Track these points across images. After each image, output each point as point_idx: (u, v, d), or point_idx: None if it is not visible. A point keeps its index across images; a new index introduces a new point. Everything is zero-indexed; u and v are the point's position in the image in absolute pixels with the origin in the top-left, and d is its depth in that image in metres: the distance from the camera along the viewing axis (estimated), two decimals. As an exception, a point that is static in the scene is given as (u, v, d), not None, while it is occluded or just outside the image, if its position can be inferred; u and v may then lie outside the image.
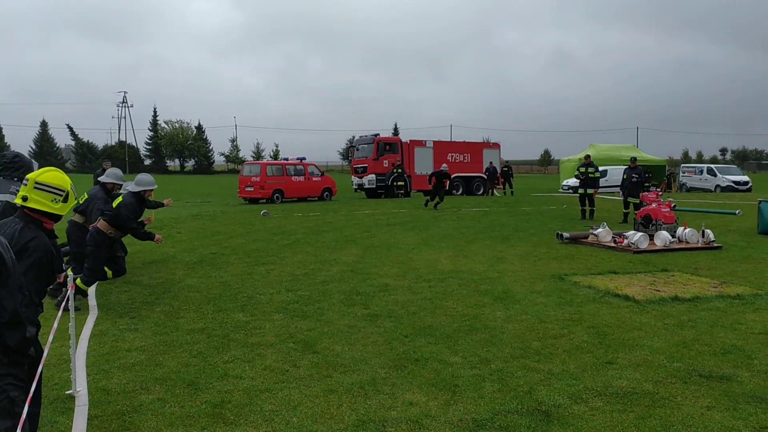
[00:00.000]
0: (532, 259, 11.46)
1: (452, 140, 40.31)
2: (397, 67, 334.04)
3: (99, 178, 9.09)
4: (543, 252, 12.31)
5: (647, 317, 7.12)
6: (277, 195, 29.01)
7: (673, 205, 14.68)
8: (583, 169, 19.53)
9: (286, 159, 31.80)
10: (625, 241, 12.76)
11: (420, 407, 4.68)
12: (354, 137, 58.72)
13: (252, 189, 28.71)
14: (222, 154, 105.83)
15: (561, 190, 40.61)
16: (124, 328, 6.90)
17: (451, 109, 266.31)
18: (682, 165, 53.63)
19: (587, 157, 19.95)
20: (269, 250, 12.69)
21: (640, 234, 12.76)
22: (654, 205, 14.40)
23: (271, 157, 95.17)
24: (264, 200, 28.76)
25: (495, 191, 36.09)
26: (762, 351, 5.87)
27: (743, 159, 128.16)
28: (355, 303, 7.98)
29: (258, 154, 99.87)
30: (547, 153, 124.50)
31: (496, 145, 38.27)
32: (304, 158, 31.50)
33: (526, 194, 36.76)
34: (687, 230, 13.28)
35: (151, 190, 8.44)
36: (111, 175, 8.82)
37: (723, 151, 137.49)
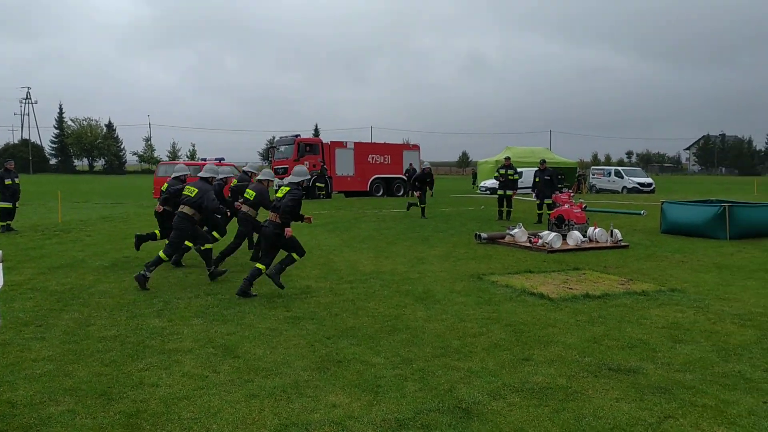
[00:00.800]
0: (451, 259, 11.69)
1: (373, 141, 40.55)
2: (315, 67, 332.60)
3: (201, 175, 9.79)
4: (462, 252, 12.58)
5: (561, 314, 7.41)
6: (194, 196, 28.30)
7: (584, 205, 15.31)
8: (503, 171, 20.09)
9: (204, 159, 31.08)
10: (540, 241, 13.21)
11: (343, 409, 4.69)
12: (274, 138, 58.06)
13: (168, 190, 27.87)
14: (135, 154, 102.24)
15: (479, 191, 41.62)
16: (30, 337, 6.56)
17: (371, 110, 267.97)
18: (592, 167, 56.11)
19: (507, 159, 20.53)
20: (187, 254, 12.36)
21: (553, 234, 13.25)
22: (566, 206, 14.97)
23: (187, 157, 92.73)
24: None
25: (415, 193, 36.52)
26: (665, 344, 6.23)
27: (647, 162, 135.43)
28: (277, 306, 7.91)
29: (174, 155, 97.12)
30: (465, 155, 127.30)
31: (416, 147, 38.81)
32: (223, 159, 30.80)
33: (445, 195, 37.43)
34: (597, 230, 13.90)
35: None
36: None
37: (629, 154, 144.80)
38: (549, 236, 13.18)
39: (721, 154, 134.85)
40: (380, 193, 35.47)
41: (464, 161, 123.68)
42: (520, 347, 6.14)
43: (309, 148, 33.48)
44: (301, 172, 8.71)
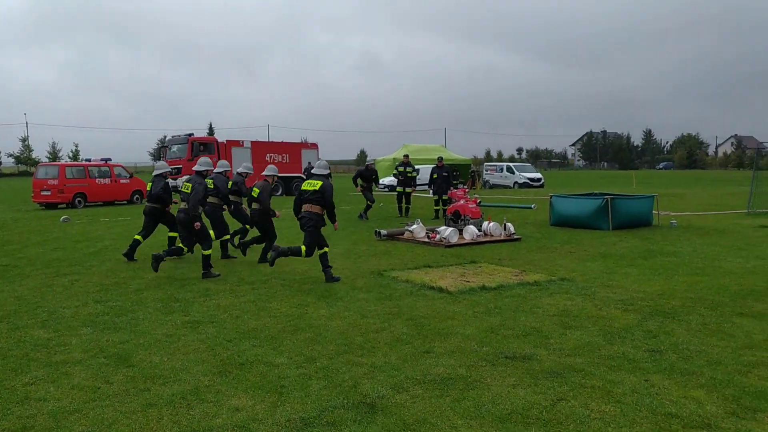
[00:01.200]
0: (352, 256, 11.76)
1: (270, 140, 40.00)
2: (205, 64, 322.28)
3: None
4: (363, 249, 12.68)
5: (459, 307, 7.64)
6: (79, 199, 26.84)
7: (478, 201, 15.84)
8: (401, 169, 20.39)
9: (89, 160, 29.51)
10: (438, 236, 13.54)
11: (246, 412, 4.62)
12: (165, 137, 55.94)
13: (49, 193, 26.26)
14: (11, 155, 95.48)
15: (377, 188, 42.00)
16: None
17: (267, 109, 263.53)
18: (485, 164, 58.03)
19: (406, 156, 20.84)
20: (72, 260, 11.72)
21: (450, 229, 13.62)
22: (462, 202, 15.43)
23: (69, 158, 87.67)
24: (64, 205, 26.46)
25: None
26: (556, 331, 6.56)
27: (536, 157, 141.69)
28: (174, 310, 7.66)
29: (54, 155, 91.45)
30: (363, 153, 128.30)
31: (314, 146, 38.64)
32: (110, 159, 29.45)
33: (344, 194, 37.53)
34: (491, 224, 14.42)
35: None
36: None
37: (519, 150, 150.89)
38: (446, 231, 13.53)
39: (603, 149, 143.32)
40: (279, 193, 35.06)
41: (362, 159, 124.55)
42: (421, 340, 6.27)
43: (203, 147, 32.55)
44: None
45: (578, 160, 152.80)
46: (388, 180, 40.71)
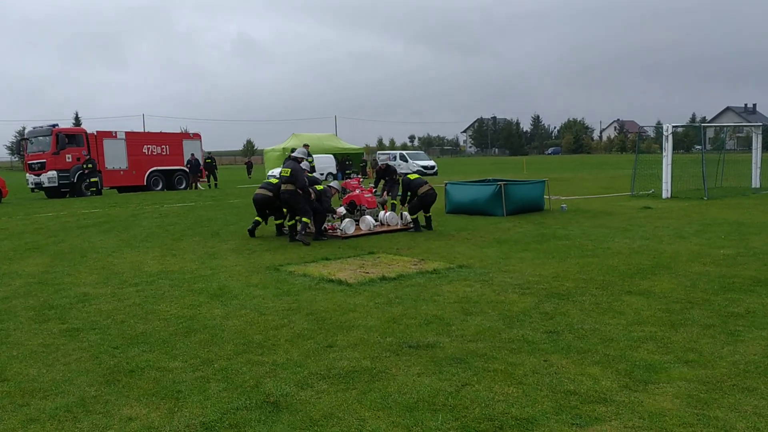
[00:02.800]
0: (245, 252, 11.62)
1: (147, 131, 38.49)
2: (66, 49, 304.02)
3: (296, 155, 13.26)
4: (256, 244, 12.54)
5: (360, 299, 7.76)
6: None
7: (374, 190, 16.04)
8: (309, 160, 20.27)
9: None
10: (336, 228, 13.61)
11: (141, 421, 4.50)
12: (24, 129, 52.38)
13: None
14: None
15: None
16: None
17: (140, 97, 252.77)
18: (378, 152, 58.69)
19: (306, 146, 20.69)
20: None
21: (347, 220, 13.73)
22: (357, 192, 15.57)
23: None
24: None
25: (199, 184, 35.48)
26: (458, 318, 6.82)
27: (428, 145, 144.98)
28: (49, 318, 7.28)
29: None
30: (250, 143, 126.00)
31: (197, 136, 37.55)
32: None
33: (232, 186, 36.84)
34: (388, 214, 14.66)
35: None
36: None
37: (411, 138, 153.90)
38: (342, 222, 13.62)
39: (494, 135, 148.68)
40: (159, 187, 33.84)
41: (249, 149, 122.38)
42: (323, 335, 6.33)
43: (70, 139, 30.79)
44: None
45: (470, 147, 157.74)
46: (278, 171, 40.20)
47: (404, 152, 50.70)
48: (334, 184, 13.72)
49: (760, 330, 6.17)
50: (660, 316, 6.70)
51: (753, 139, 25.01)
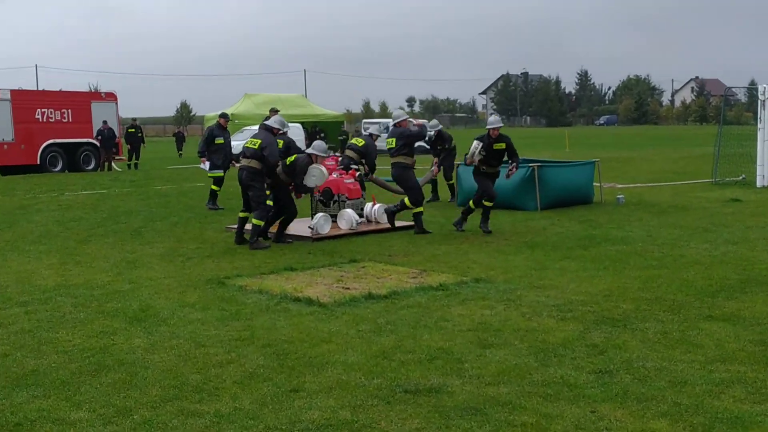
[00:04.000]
0: (178, 259, 11.66)
1: (41, 89, 38.39)
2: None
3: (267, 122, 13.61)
4: (193, 249, 12.59)
5: (337, 324, 7.79)
6: None
7: (358, 173, 16.07)
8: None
9: None
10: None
11: (31, 494, 4.51)
12: None
13: None
14: None
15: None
16: None
17: (33, 42, 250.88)
18: (364, 121, 58.81)
19: (274, 111, 20.57)
20: None
21: (320, 215, 13.77)
22: (335, 175, 15.58)
23: None
24: None
25: (114, 164, 35.44)
26: (473, 352, 6.86)
27: (434, 111, 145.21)
28: None
29: None
30: (185, 107, 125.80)
31: (112, 97, 37.44)
32: None
33: (161, 167, 36.81)
34: (377, 207, 14.71)
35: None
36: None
37: (410, 101, 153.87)
38: (314, 218, 13.65)
39: (524, 98, 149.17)
40: (59, 168, 33.74)
41: (185, 116, 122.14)
42: (285, 374, 6.35)
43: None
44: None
45: (491, 114, 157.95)
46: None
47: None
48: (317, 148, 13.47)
49: None
50: (752, 351, 6.76)
51: None
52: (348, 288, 9.44)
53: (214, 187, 18.81)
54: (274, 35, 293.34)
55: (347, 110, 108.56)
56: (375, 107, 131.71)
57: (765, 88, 21.44)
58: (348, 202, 14.94)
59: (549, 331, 7.47)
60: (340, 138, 45.28)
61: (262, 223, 12.75)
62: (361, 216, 14.58)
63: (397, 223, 14.41)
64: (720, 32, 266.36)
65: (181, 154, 48.82)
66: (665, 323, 7.67)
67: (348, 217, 14.09)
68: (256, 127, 38.39)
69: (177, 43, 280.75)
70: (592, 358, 6.63)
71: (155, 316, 8.28)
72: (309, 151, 13.28)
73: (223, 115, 19.97)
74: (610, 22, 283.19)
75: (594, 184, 18.39)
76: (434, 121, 19.60)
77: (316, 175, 12.95)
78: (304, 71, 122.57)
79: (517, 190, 16.74)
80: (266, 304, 8.67)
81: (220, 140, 18.89)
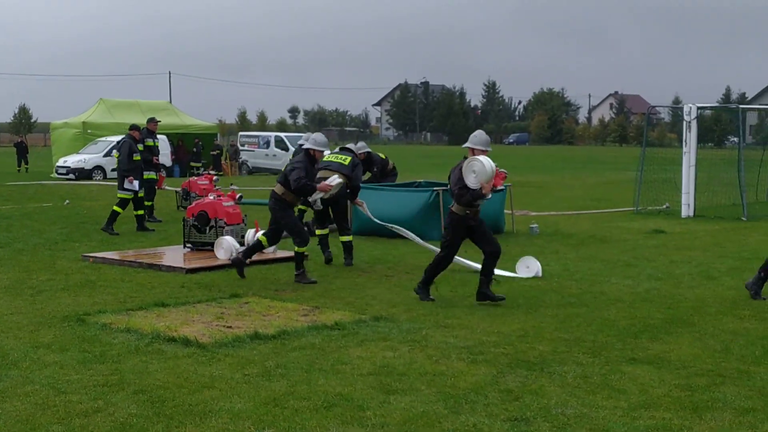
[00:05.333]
0: (27, 292, 11.56)
1: None
2: None
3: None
4: (44, 280, 12.48)
5: (221, 368, 7.90)
6: None
7: (238, 195, 16.18)
8: (151, 142, 20.04)
9: None
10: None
11: None
12: None
13: None
14: None
15: (56, 174, 40.73)
16: None
17: None
18: (240, 134, 58.63)
19: (152, 122, 20.46)
20: None
21: (227, 238, 13.87)
22: (211, 197, 15.65)
23: None
24: None
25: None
26: (375, 398, 7.06)
27: (322, 123, 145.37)
28: None
29: None
30: (25, 111, 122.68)
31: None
32: None
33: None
34: (260, 233, 14.79)
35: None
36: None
37: (293, 111, 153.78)
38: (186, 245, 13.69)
39: (425, 112, 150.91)
40: None
41: (25, 122, 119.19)
42: (163, 424, 6.43)
43: None
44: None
45: (387, 129, 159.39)
46: (76, 160, 39.74)
47: (282, 135, 50.91)
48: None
49: (819, 416, 6.74)
50: (677, 396, 7.18)
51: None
52: (230, 327, 9.55)
53: (117, 209, 18.68)
54: (131, 28, 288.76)
55: (220, 120, 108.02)
56: (252, 117, 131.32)
57: (691, 107, 22.39)
58: (227, 228, 15.02)
59: (459, 375, 7.75)
60: (213, 153, 45.07)
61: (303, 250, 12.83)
62: (242, 244, 14.67)
63: (284, 254, 14.53)
64: (641, 45, 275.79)
65: (21, 168, 47.27)
66: (585, 366, 8.06)
67: (227, 245, 14.16)
68: (114, 138, 38.45)
69: (15, 36, 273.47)
70: (507, 405, 6.93)
71: (4, 359, 8.21)
72: (307, 145, 13.48)
73: (152, 119, 20.52)
74: (522, 29, 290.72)
75: (505, 211, 18.87)
76: (360, 143, 19.95)
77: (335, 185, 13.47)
78: (169, 73, 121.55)
79: (419, 217, 17.09)
80: (136, 345, 8.70)
81: (137, 157, 18.98)
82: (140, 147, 19.25)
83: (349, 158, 14.81)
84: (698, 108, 22.45)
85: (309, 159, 13.18)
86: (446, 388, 7.35)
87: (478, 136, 11.56)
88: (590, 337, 9.17)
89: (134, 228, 18.80)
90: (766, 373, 7.86)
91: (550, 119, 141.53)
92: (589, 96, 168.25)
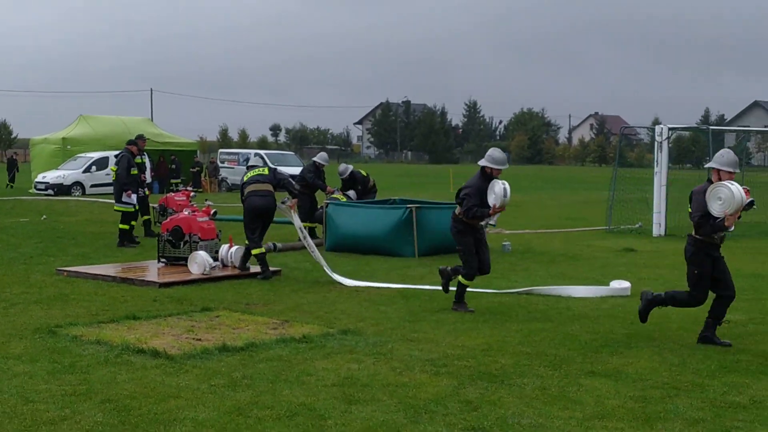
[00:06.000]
0: (0, 305, 11.68)
1: None
2: None
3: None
4: (18, 293, 12.60)
5: (187, 378, 8.04)
6: None
7: (213, 211, 16.31)
8: (140, 159, 20.16)
9: None
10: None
11: None
12: None
13: None
14: None
15: (35, 190, 40.73)
16: None
17: None
18: (220, 150, 58.79)
19: (141, 139, 20.60)
20: None
21: (202, 253, 14.00)
22: (186, 213, 15.76)
23: None
24: None
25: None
26: (337, 408, 7.22)
27: (303, 141, 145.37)
28: None
29: None
30: (5, 127, 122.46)
31: None
32: None
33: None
34: (234, 249, 14.94)
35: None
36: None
37: (275, 129, 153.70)
38: (160, 261, 13.80)
39: (406, 131, 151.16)
40: None
41: (5, 137, 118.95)
42: (128, 432, 6.57)
43: None
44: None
45: (368, 147, 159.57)
46: (56, 176, 39.80)
47: (262, 152, 51.09)
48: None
49: (765, 428, 6.93)
50: (631, 407, 7.37)
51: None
52: (199, 339, 9.68)
53: (124, 226, 19.00)
54: (111, 43, 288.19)
55: (201, 137, 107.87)
56: (234, 135, 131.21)
57: (663, 128, 22.73)
58: (201, 243, 15.13)
59: (421, 386, 7.92)
60: (192, 170, 45.13)
61: (468, 283, 12.07)
62: (215, 259, 14.79)
63: (253, 269, 14.68)
64: (621, 68, 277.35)
65: (11, 185, 45.67)
66: (545, 379, 8.24)
67: (200, 260, 14.28)
68: (94, 154, 38.54)
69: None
70: (465, 415, 7.11)
71: (-27, 369, 8.33)
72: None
73: (140, 137, 20.77)
74: (503, 50, 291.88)
75: (478, 229, 19.05)
76: (342, 167, 21.22)
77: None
78: (151, 90, 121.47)
79: (393, 234, 17.25)
80: (105, 356, 8.81)
81: (135, 170, 19.28)
82: (138, 160, 19.52)
83: (266, 168, 15.81)
84: (669, 129, 22.77)
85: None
86: (407, 399, 7.51)
87: (725, 156, 10.05)
88: (552, 351, 9.36)
89: (112, 242, 18.94)
90: (720, 386, 8.07)
91: (531, 139, 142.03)
92: (570, 116, 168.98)
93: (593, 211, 30.71)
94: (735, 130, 36.06)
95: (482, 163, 11.98)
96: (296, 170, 46.72)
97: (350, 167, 21.58)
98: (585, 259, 17.58)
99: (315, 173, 20.43)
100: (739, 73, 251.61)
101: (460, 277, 11.88)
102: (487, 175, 11.89)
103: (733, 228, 9.99)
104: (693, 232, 10.08)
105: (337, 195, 20.12)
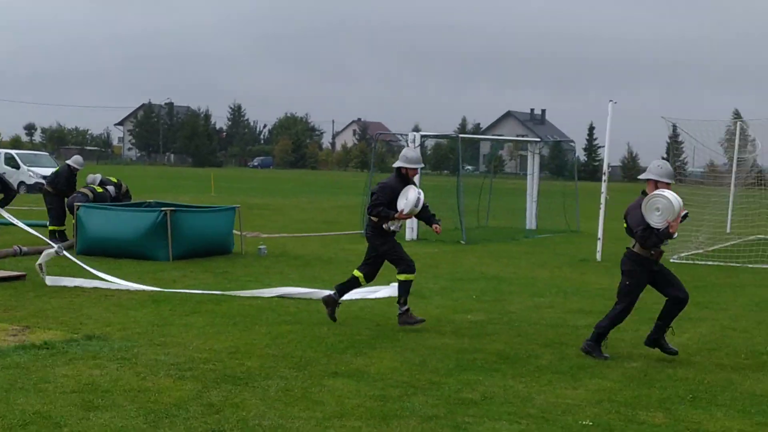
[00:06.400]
0: None
1: None
2: None
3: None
4: None
5: None
6: None
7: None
8: None
9: None
10: None
11: None
12: None
13: None
14: None
15: None
16: None
17: None
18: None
19: None
20: None
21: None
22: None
23: None
24: None
25: None
26: (74, 415, 7.07)
27: (60, 142, 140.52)
28: None
29: None
30: None
31: None
32: None
33: None
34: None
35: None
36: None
37: (30, 128, 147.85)
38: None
39: (168, 133, 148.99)
40: None
41: None
42: None
43: None
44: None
45: (129, 149, 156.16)
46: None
47: (14, 152, 48.97)
48: None
49: (492, 421, 7.33)
50: (370, 406, 7.62)
51: (528, 161, 28.62)
52: (-72, 347, 9.26)
53: None
54: None
55: None
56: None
57: (415, 135, 23.55)
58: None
59: (164, 390, 7.87)
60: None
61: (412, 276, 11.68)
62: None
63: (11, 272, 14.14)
64: (382, 78, 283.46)
65: None
66: (289, 380, 8.38)
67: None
68: None
69: None
70: (207, 418, 7.13)
71: None
72: None
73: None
74: (267, 56, 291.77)
75: (234, 232, 19.09)
76: (90, 177, 20.81)
77: None
78: None
79: (146, 237, 17.00)
80: None
81: None
82: None
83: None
84: (422, 136, 23.59)
85: None
86: (149, 404, 7.46)
87: (663, 167, 10.02)
88: (299, 353, 9.51)
89: None
90: (455, 384, 8.47)
91: (294, 143, 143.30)
92: (333, 122, 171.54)
93: (349, 215, 31.35)
94: (484, 139, 37.72)
95: (397, 164, 11.70)
96: (49, 171, 45.62)
97: (99, 176, 21.02)
98: (338, 262, 17.90)
99: (67, 177, 20.18)
100: (491, 86, 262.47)
101: (402, 276, 11.50)
102: (403, 177, 11.64)
103: (676, 235, 9.88)
104: (631, 246, 9.94)
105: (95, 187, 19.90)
